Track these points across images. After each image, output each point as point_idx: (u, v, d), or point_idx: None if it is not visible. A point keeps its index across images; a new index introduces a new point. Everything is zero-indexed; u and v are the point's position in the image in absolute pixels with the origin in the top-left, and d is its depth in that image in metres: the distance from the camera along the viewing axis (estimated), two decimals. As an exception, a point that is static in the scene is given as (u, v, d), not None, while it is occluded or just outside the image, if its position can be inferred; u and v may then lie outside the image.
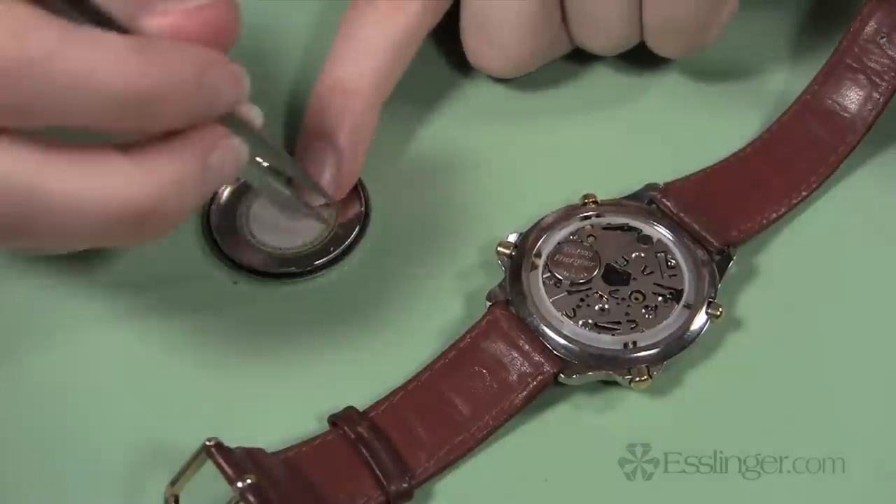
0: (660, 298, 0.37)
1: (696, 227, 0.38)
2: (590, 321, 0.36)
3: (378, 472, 0.34)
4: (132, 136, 0.29)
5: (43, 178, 0.28)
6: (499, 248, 0.38)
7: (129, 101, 0.28)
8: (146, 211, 0.29)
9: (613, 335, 0.36)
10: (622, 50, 0.42)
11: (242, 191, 0.40)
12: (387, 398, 0.35)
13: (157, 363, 0.37)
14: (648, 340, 0.36)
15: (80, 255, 0.38)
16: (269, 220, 0.39)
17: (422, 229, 0.40)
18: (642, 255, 0.38)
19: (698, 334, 0.36)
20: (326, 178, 0.38)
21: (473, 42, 0.41)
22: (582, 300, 0.37)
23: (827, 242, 0.40)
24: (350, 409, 0.35)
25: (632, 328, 0.36)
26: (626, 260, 0.38)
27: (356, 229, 0.39)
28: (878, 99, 0.41)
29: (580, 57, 0.43)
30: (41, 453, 0.35)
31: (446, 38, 0.43)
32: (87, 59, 0.27)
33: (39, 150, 0.28)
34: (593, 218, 0.39)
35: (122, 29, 0.28)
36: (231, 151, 0.31)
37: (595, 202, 0.39)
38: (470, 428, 0.35)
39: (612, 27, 0.40)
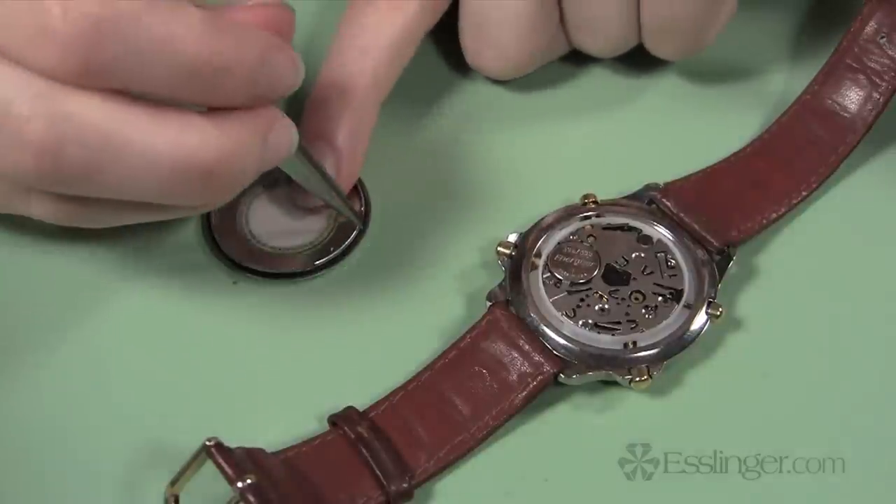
0: (660, 298, 0.37)
1: (696, 227, 0.38)
2: (590, 321, 0.36)
3: (378, 472, 0.34)
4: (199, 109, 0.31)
5: (125, 126, 0.30)
6: (499, 248, 0.38)
7: (199, 70, 0.30)
8: (212, 169, 0.31)
9: (613, 335, 0.36)
10: (620, 52, 0.42)
11: (242, 191, 0.40)
12: (387, 398, 0.35)
13: (157, 363, 0.37)
14: (648, 340, 0.36)
15: (81, 255, 0.38)
16: (270, 220, 0.39)
17: (422, 229, 0.40)
18: (642, 255, 0.38)
19: (698, 334, 0.36)
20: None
21: (471, 43, 0.41)
22: (582, 300, 0.37)
23: (827, 242, 0.40)
24: (350, 409, 0.35)
25: (632, 328, 0.36)
26: (626, 260, 0.38)
27: (356, 229, 0.39)
28: (878, 99, 0.41)
29: (579, 59, 0.43)
30: (41, 453, 0.35)
31: (445, 38, 0.43)
32: (167, 25, 0.29)
33: (123, 101, 0.30)
34: (593, 218, 0.39)
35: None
36: (286, 133, 0.33)
37: (595, 202, 0.39)
38: (470, 428, 0.35)
39: (609, 28, 0.40)
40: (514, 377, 0.35)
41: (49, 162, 0.30)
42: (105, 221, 0.34)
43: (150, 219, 0.35)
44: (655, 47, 0.41)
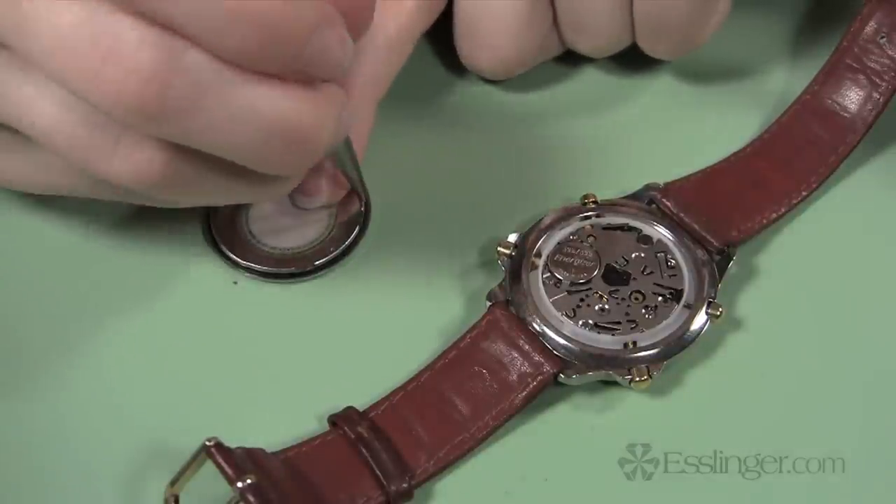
0: (660, 298, 0.37)
1: (696, 227, 0.38)
2: (590, 321, 0.36)
3: (378, 472, 0.34)
4: None
5: (235, 75, 0.30)
6: (499, 248, 0.38)
7: (282, 40, 0.30)
8: (302, 135, 0.31)
9: (613, 335, 0.36)
10: (614, 51, 0.42)
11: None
12: (387, 398, 0.35)
13: (157, 363, 0.37)
14: (648, 340, 0.36)
15: (81, 254, 0.38)
16: (270, 220, 0.39)
17: (421, 229, 0.40)
18: (642, 255, 0.38)
19: (698, 334, 0.36)
20: (325, 178, 0.38)
21: (465, 42, 0.41)
22: (582, 300, 0.37)
23: (827, 242, 0.40)
24: (350, 409, 0.35)
25: (632, 328, 0.36)
26: (626, 260, 0.38)
27: (356, 229, 0.39)
28: (878, 99, 0.41)
29: (574, 58, 0.43)
30: (41, 453, 0.35)
31: (441, 38, 0.43)
32: None
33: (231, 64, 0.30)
34: (593, 218, 0.39)
35: None
36: (349, 113, 0.33)
37: (595, 202, 0.39)
38: (470, 428, 0.35)
39: (603, 28, 0.40)
40: (514, 377, 0.35)
41: (154, 92, 0.29)
42: (182, 188, 0.33)
43: (224, 197, 0.34)
44: (649, 47, 0.41)
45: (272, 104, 0.30)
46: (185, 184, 0.32)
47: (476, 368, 0.36)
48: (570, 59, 0.43)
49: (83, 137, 0.31)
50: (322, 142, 0.32)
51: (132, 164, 0.31)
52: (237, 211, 0.39)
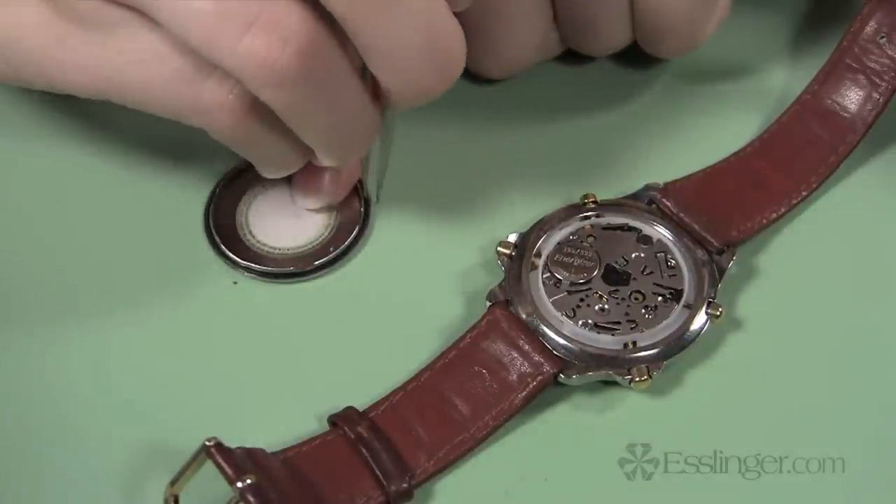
0: (660, 298, 0.37)
1: (696, 227, 0.38)
2: (590, 321, 0.36)
3: (378, 472, 0.34)
4: None
5: None
6: (499, 248, 0.38)
7: None
8: (451, 56, 0.34)
9: (613, 335, 0.36)
10: (614, 50, 0.42)
11: (243, 191, 0.40)
12: (387, 398, 0.35)
13: (157, 363, 0.37)
14: (648, 340, 0.36)
15: (81, 254, 0.38)
16: (270, 220, 0.39)
17: (422, 229, 0.40)
18: (642, 255, 0.38)
19: (698, 334, 0.36)
20: (326, 178, 0.38)
21: (466, 43, 0.41)
22: (582, 300, 0.37)
23: (827, 242, 0.40)
24: (350, 409, 0.35)
25: (632, 328, 0.36)
26: (626, 260, 0.38)
27: (356, 229, 0.39)
28: (878, 99, 0.41)
29: (574, 58, 0.43)
30: (41, 453, 0.35)
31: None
32: None
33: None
34: (593, 218, 0.39)
35: None
36: None
37: (595, 202, 0.39)
38: (470, 428, 0.35)
39: (604, 27, 0.40)
40: (514, 377, 0.35)
41: (302, 59, 0.31)
42: (273, 132, 0.34)
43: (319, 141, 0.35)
44: (650, 46, 0.41)
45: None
46: (274, 131, 0.34)
47: (476, 368, 0.36)
48: (570, 59, 0.43)
49: (228, 4, 0.31)
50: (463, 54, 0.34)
51: (224, 94, 0.32)
52: (237, 211, 0.39)
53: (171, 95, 0.33)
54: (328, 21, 0.31)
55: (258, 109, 0.33)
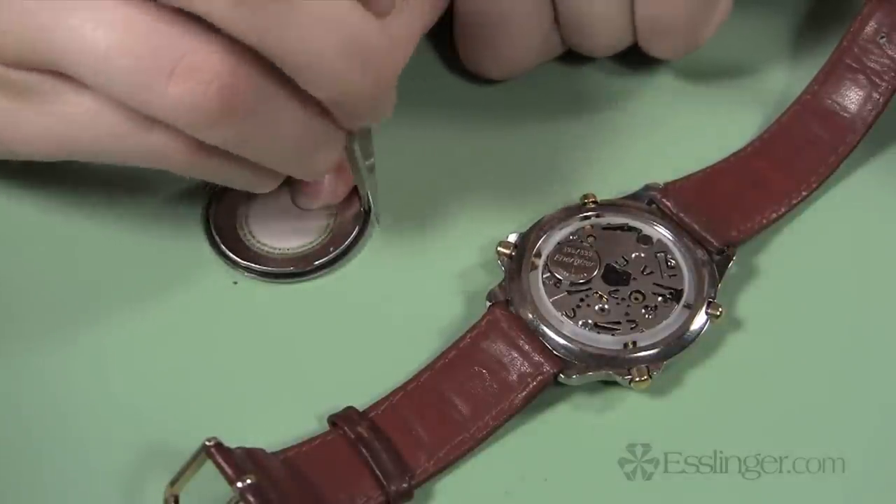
0: (660, 298, 0.37)
1: (696, 227, 0.38)
2: (590, 321, 0.36)
3: (378, 472, 0.34)
4: None
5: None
6: (499, 248, 0.38)
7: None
8: (374, 54, 0.32)
9: (613, 335, 0.36)
10: (615, 51, 0.42)
11: (243, 190, 0.40)
12: (387, 398, 0.35)
13: (157, 363, 0.37)
14: (648, 340, 0.36)
15: (80, 254, 0.38)
16: (270, 220, 0.39)
17: (422, 229, 0.40)
18: (642, 255, 0.38)
19: (698, 334, 0.36)
20: (326, 178, 0.38)
21: (466, 43, 0.41)
22: (582, 300, 0.37)
23: (827, 242, 0.40)
24: (350, 409, 0.35)
25: (632, 328, 0.36)
26: (626, 260, 0.38)
27: (356, 229, 0.39)
28: (878, 99, 0.41)
29: (575, 58, 0.43)
30: (41, 453, 0.35)
31: (442, 38, 0.43)
32: None
33: None
34: (593, 218, 0.39)
35: None
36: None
37: (595, 202, 0.39)
38: (470, 428, 0.35)
39: (604, 28, 0.40)
40: (514, 377, 0.35)
41: (227, 98, 0.30)
42: (233, 162, 0.34)
43: (290, 152, 0.35)
44: (650, 47, 0.41)
45: (346, 19, 0.31)
46: (249, 136, 0.33)
47: (476, 368, 0.36)
48: (570, 59, 0.43)
49: (145, 58, 0.30)
50: (392, 62, 0.33)
51: (187, 90, 0.31)
52: (237, 211, 0.39)
53: (123, 147, 0.33)
54: (251, 51, 0.31)
55: (209, 145, 0.32)
